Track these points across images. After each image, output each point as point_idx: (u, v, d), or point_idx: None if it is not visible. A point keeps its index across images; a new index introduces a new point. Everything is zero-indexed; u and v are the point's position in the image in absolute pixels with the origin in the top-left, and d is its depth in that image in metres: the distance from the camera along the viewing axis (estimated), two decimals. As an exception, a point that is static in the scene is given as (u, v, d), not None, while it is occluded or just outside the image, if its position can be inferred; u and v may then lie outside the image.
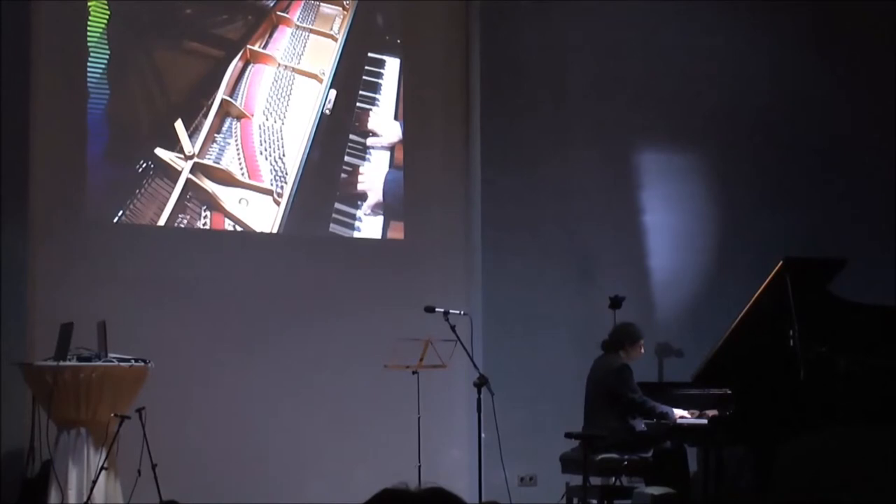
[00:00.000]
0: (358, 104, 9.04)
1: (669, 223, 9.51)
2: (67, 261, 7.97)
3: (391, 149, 9.12)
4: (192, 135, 8.41)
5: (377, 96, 9.12)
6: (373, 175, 9.04)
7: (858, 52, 9.86)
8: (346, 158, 8.96)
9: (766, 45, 9.73)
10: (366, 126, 9.05)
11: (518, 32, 9.24)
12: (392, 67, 9.18)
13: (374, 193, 9.04)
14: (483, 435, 7.54)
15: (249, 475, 8.12)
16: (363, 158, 9.01)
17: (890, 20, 9.83)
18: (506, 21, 9.21)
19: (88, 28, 8.20)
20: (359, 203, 8.98)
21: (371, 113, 9.07)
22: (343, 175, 8.94)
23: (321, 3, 9.06)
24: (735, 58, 9.68)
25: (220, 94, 8.54)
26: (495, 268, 9.04)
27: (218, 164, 8.50)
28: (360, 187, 8.99)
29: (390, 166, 9.10)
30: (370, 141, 9.04)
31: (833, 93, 9.79)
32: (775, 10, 9.71)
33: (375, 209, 9.03)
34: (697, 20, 9.60)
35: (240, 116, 8.61)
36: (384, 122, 9.11)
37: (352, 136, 9.00)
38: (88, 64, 8.17)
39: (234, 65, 8.62)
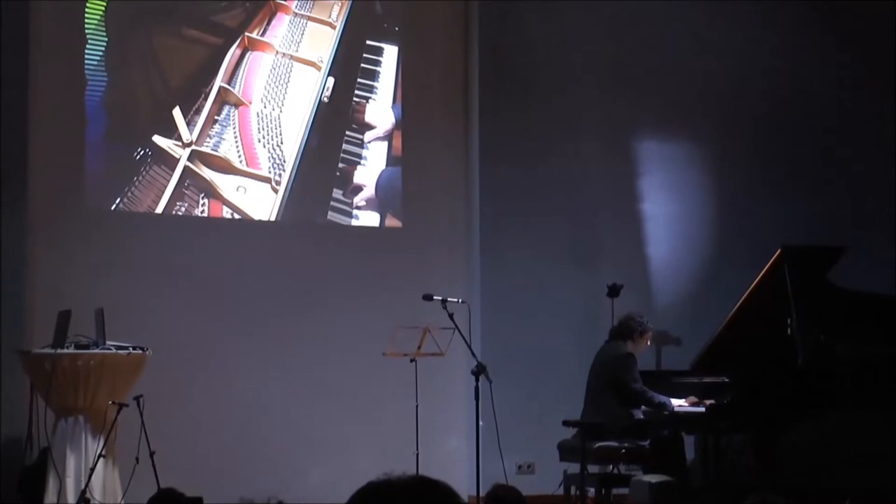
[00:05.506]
0: (356, 94, 9.01)
1: (668, 211, 9.49)
2: (65, 248, 7.97)
3: (389, 137, 9.10)
4: (190, 122, 8.39)
5: (375, 84, 9.09)
6: (371, 163, 9.01)
7: (858, 42, 9.82)
8: (345, 146, 8.94)
9: (766, 35, 9.70)
10: (364, 116, 9.02)
11: (518, 20, 9.21)
12: (390, 55, 9.15)
13: (373, 181, 9.02)
14: (481, 423, 7.54)
15: (248, 462, 8.12)
16: (362, 146, 8.99)
17: (891, 10, 9.80)
18: (506, 9, 9.18)
19: (86, 14, 8.18)
20: (357, 191, 8.96)
21: (369, 103, 9.04)
22: (341, 164, 8.92)
23: (319, -9, 9.03)
24: (735, 48, 9.65)
25: (219, 82, 8.52)
26: (493, 256, 9.03)
27: (216, 151, 8.49)
28: (358, 175, 8.97)
29: (389, 154, 9.08)
30: (368, 131, 9.01)
31: (832, 82, 9.76)
32: (777, 1, 9.67)
33: (373, 197, 9.01)
34: (698, 11, 9.56)
35: (238, 104, 8.59)
36: (382, 112, 9.09)
37: (350, 126, 8.97)
38: (86, 51, 8.16)
39: (233, 52, 8.60)
